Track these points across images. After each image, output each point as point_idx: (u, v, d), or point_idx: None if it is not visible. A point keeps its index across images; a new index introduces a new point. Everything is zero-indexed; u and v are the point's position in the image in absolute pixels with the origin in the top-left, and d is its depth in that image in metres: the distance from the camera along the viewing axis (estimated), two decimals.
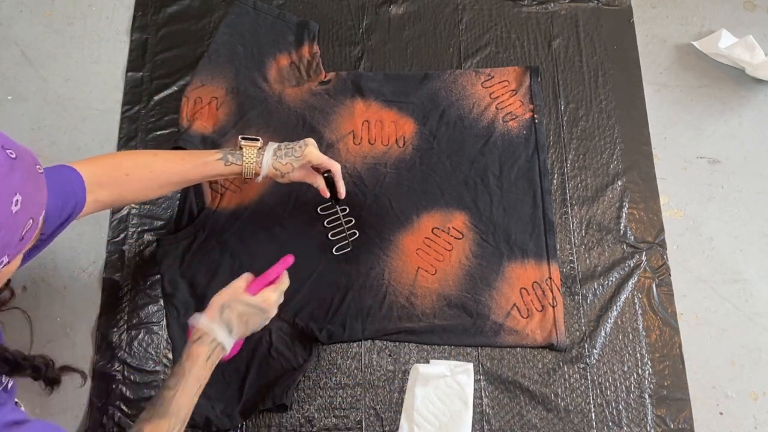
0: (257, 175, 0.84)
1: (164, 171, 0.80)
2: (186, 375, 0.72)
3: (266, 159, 0.84)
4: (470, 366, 0.94)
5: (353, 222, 1.01)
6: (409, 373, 0.95)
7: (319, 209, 1.01)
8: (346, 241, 0.99)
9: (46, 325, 0.98)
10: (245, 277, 0.81)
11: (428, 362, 0.95)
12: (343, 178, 1.04)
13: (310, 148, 0.85)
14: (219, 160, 0.82)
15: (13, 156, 0.51)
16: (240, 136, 0.86)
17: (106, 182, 0.76)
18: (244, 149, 0.83)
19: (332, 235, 1.01)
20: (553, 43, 1.15)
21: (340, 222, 1.00)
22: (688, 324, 0.99)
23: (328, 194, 0.90)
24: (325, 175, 0.88)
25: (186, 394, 0.71)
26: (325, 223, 1.00)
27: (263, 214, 1.02)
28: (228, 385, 0.92)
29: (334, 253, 1.00)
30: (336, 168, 0.87)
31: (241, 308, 0.77)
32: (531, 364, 0.95)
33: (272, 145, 0.85)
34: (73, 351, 0.97)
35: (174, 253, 0.99)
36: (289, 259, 0.83)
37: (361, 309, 0.97)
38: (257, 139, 0.86)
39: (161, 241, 1.00)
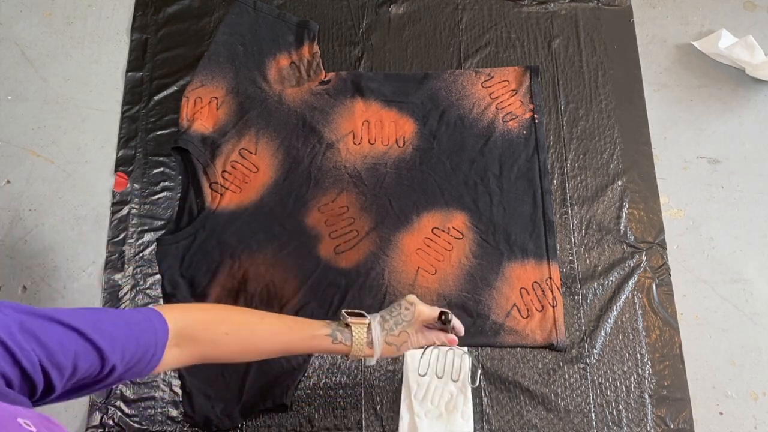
0: (371, 356, 0.73)
1: (268, 338, 0.70)
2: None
3: (376, 336, 0.73)
4: (464, 350, 0.93)
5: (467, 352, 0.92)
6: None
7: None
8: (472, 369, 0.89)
9: None
10: None
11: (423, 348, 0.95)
12: (343, 178, 1.05)
13: (420, 307, 0.76)
14: (327, 336, 0.71)
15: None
16: (344, 311, 0.75)
17: (200, 337, 0.64)
18: (352, 327, 0.73)
19: (332, 236, 1.01)
20: (553, 43, 1.15)
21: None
22: (688, 324, 0.99)
23: (455, 340, 0.79)
24: (442, 319, 0.76)
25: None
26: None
27: (263, 214, 1.02)
28: (228, 385, 0.92)
29: (335, 253, 1.00)
30: (448, 312, 0.76)
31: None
32: (531, 364, 0.95)
33: (375, 318, 0.75)
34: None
35: (174, 254, 0.99)
36: None
37: (361, 309, 0.97)
38: (363, 314, 0.75)
39: (161, 241, 1.00)
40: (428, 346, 0.79)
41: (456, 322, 0.78)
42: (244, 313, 0.71)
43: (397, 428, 0.91)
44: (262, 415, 0.92)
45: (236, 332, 0.67)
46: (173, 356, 0.61)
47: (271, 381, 0.92)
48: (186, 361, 0.64)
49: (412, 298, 0.77)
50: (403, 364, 0.95)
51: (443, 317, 0.75)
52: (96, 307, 0.59)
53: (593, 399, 0.94)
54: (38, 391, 0.45)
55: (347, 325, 0.73)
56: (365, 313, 0.75)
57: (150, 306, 0.60)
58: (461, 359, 0.93)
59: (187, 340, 0.62)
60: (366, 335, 0.73)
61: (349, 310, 0.75)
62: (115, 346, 0.51)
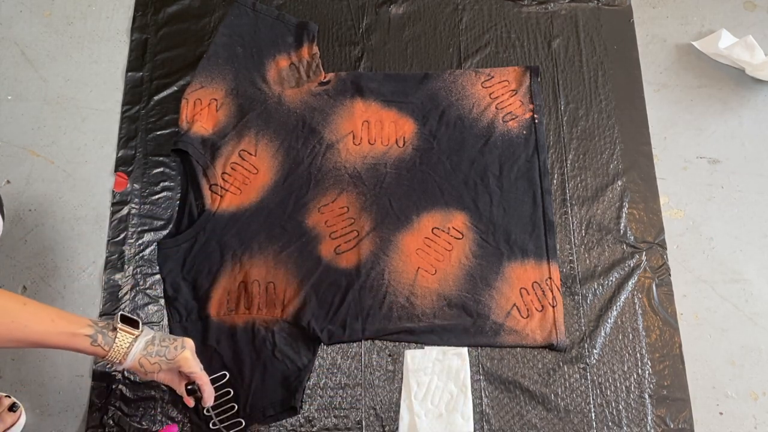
0: (120, 363, 0.76)
1: (27, 326, 0.69)
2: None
3: (134, 351, 0.76)
4: (463, 350, 0.94)
5: (233, 411, 0.90)
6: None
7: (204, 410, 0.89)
8: (225, 424, 0.89)
9: None
10: None
11: (423, 347, 0.95)
12: (343, 178, 1.05)
13: (186, 354, 0.78)
14: (86, 337, 0.72)
15: None
16: (120, 314, 0.77)
17: None
18: (118, 333, 0.75)
19: (332, 236, 1.01)
20: (553, 43, 1.15)
21: (217, 419, 0.89)
22: (688, 324, 0.99)
23: (192, 403, 0.84)
24: (189, 387, 0.82)
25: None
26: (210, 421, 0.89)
27: (263, 216, 1.02)
28: (233, 387, 0.92)
29: (335, 253, 1.00)
30: (204, 380, 0.81)
31: None
32: (531, 364, 0.95)
33: (146, 336, 0.78)
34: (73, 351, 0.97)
35: (175, 257, 0.99)
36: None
37: (361, 309, 0.97)
38: (137, 323, 0.78)
39: (162, 245, 1.00)
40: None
41: (207, 394, 0.82)
42: (9, 297, 0.70)
43: (397, 428, 0.91)
44: (265, 417, 0.92)
45: None
46: None
47: (276, 383, 0.92)
48: None
49: (188, 343, 0.80)
50: (403, 365, 0.95)
51: (189, 387, 0.82)
52: None
53: (593, 399, 0.94)
54: None
55: (114, 329, 0.75)
56: (141, 325, 0.78)
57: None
58: (461, 359, 0.94)
59: None
60: (128, 346, 0.75)
61: (126, 315, 0.78)
62: None
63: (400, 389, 0.94)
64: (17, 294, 0.74)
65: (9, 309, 0.69)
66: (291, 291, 0.98)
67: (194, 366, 0.80)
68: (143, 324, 0.79)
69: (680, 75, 1.15)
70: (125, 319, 0.77)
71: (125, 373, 0.92)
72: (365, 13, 1.18)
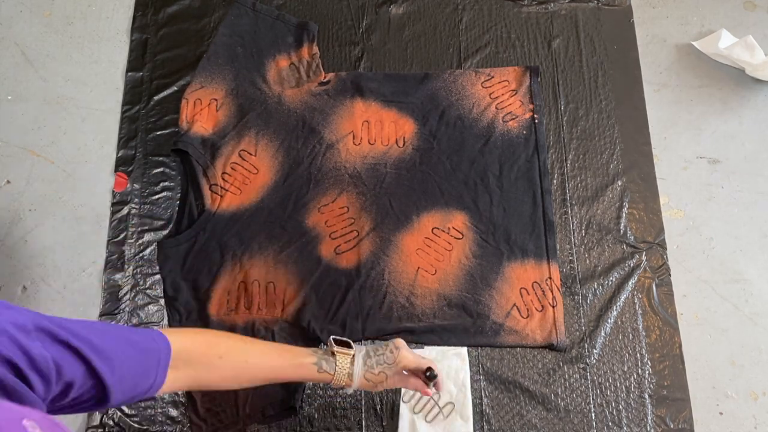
0: (348, 386, 0.76)
1: (259, 363, 0.70)
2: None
3: (357, 370, 0.75)
4: (463, 350, 0.94)
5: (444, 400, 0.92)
6: None
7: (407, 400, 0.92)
8: (439, 410, 0.91)
9: None
10: None
11: (422, 347, 0.95)
12: (343, 178, 1.05)
13: (404, 353, 0.78)
14: (313, 365, 0.74)
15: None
16: (332, 338, 0.77)
17: (196, 360, 0.64)
18: (337, 357, 0.75)
19: (332, 236, 1.01)
20: (553, 43, 1.15)
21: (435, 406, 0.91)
22: (688, 324, 0.99)
23: (431, 393, 0.81)
24: (427, 374, 0.78)
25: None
26: (414, 408, 0.91)
27: (263, 216, 1.02)
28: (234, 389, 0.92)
29: (336, 253, 1.00)
30: (433, 363, 0.79)
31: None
32: (531, 364, 0.95)
33: (360, 351, 0.78)
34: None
35: (175, 257, 0.99)
36: None
37: (361, 309, 0.97)
38: (349, 344, 0.78)
39: (162, 245, 1.00)
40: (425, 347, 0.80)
41: (439, 379, 0.80)
42: (235, 338, 0.72)
43: (397, 428, 0.91)
44: (265, 418, 0.92)
45: (229, 356, 0.67)
46: (170, 380, 0.60)
47: (276, 384, 0.92)
48: (181, 385, 0.63)
49: (399, 342, 0.79)
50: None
51: (428, 373, 0.78)
52: (104, 323, 0.58)
53: (593, 399, 0.94)
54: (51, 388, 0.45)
55: (333, 353, 0.76)
56: (352, 343, 0.78)
57: (151, 328, 0.61)
58: (461, 359, 0.94)
59: (183, 363, 0.62)
60: (349, 366, 0.75)
61: (337, 338, 0.78)
62: (115, 368, 0.51)
63: (400, 389, 0.94)
64: (237, 334, 0.75)
65: (242, 349, 0.70)
66: (291, 291, 0.98)
67: (417, 358, 0.79)
68: (353, 343, 0.79)
69: (680, 75, 1.15)
70: (339, 342, 0.77)
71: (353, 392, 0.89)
72: (365, 13, 1.18)
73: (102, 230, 1.04)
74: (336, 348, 0.76)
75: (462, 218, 1.03)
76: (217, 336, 0.72)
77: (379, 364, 0.77)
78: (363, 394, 0.94)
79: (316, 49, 1.14)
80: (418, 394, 0.91)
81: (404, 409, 0.92)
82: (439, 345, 0.96)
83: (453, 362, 0.94)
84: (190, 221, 1.02)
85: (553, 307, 0.97)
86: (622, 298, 0.99)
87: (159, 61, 1.14)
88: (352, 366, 0.76)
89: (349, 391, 0.77)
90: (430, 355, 0.94)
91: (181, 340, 0.63)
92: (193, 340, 0.65)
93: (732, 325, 0.99)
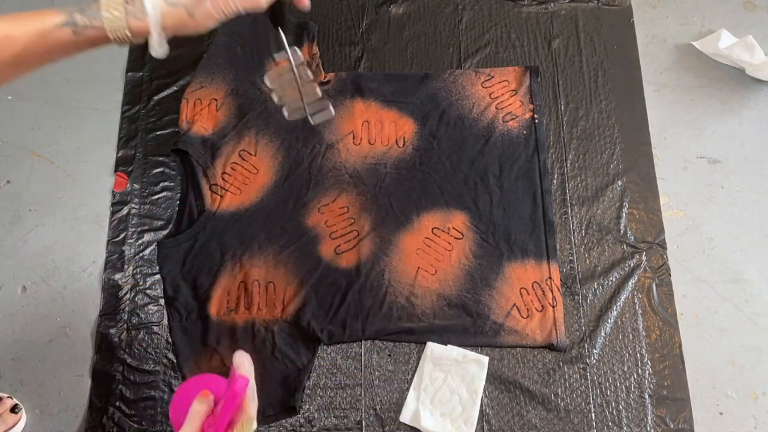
0: (142, 33, 0.52)
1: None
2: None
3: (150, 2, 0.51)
4: (484, 359, 0.94)
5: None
6: (410, 371, 0.95)
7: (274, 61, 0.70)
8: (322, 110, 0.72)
9: (46, 325, 0.98)
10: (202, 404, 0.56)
11: (445, 345, 0.95)
12: (343, 178, 1.05)
13: None
14: (64, 27, 0.51)
15: None
16: None
17: None
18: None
19: (332, 236, 1.01)
20: (553, 43, 1.15)
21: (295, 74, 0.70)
22: (688, 324, 0.99)
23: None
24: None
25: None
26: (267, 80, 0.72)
27: (263, 216, 1.02)
28: None
29: (335, 253, 1.00)
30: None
31: None
32: (531, 364, 0.95)
33: None
34: (73, 351, 0.97)
35: (175, 257, 0.99)
36: (243, 382, 0.59)
37: (361, 309, 0.97)
38: None
39: (162, 245, 1.00)
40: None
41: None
42: None
43: (400, 416, 0.91)
44: (265, 417, 0.92)
45: None
46: None
47: (276, 383, 0.92)
48: None
49: None
50: (405, 364, 0.95)
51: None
52: None
53: (593, 399, 0.94)
54: None
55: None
56: None
57: None
58: (480, 367, 0.93)
59: None
60: (124, 4, 0.51)
61: None
62: None
63: (401, 389, 0.94)
64: None
65: None
66: (291, 291, 0.98)
67: None
68: None
69: (680, 75, 1.15)
70: None
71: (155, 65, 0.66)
72: (365, 13, 1.18)
73: (102, 230, 1.04)
74: None
75: (462, 218, 1.03)
76: None
77: None
78: (363, 394, 0.94)
79: (316, 48, 1.14)
80: (431, 386, 0.91)
81: (411, 398, 0.92)
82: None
83: (471, 368, 0.94)
84: (190, 221, 1.02)
85: (553, 307, 0.97)
86: (622, 298, 0.99)
87: (159, 61, 1.14)
88: (135, 2, 0.51)
89: (154, 44, 0.54)
90: (451, 354, 0.94)
91: None
92: None
93: (732, 325, 0.99)
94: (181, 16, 0.53)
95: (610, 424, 0.92)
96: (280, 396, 0.92)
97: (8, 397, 0.92)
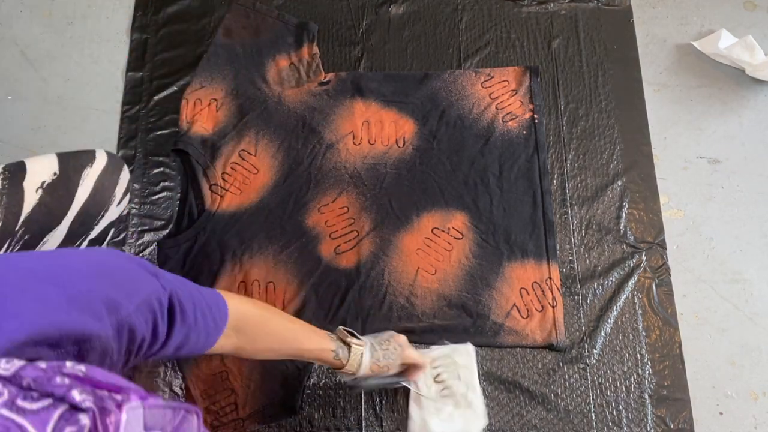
0: (353, 374, 0.78)
1: (293, 344, 0.71)
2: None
3: (365, 361, 0.77)
4: (469, 346, 0.91)
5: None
6: None
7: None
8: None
9: None
10: None
11: (429, 348, 0.93)
12: (343, 178, 1.05)
13: (408, 352, 0.82)
14: (332, 351, 0.75)
15: None
16: (341, 328, 0.79)
17: (247, 332, 0.64)
18: (352, 348, 0.77)
19: (332, 236, 1.01)
20: (552, 43, 1.15)
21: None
22: (688, 324, 0.99)
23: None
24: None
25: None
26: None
27: (263, 216, 1.02)
28: (233, 388, 0.92)
29: (335, 253, 1.00)
30: (426, 364, 0.86)
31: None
32: (531, 364, 0.95)
33: (367, 344, 0.79)
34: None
35: (175, 257, 0.99)
36: None
37: (361, 309, 0.97)
38: (356, 336, 0.79)
39: (162, 245, 1.00)
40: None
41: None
42: (281, 316, 0.72)
43: (405, 429, 0.89)
44: (265, 417, 0.92)
45: (276, 334, 0.69)
46: (220, 343, 0.60)
47: (276, 383, 0.92)
48: (224, 350, 0.63)
49: (401, 339, 0.83)
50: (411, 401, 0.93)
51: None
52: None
53: (593, 399, 0.94)
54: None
55: (346, 344, 0.77)
56: (357, 335, 0.79)
57: (211, 288, 0.61)
58: (467, 354, 0.91)
59: (235, 331, 0.62)
60: (360, 356, 0.77)
61: (344, 328, 0.79)
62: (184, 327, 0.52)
63: (400, 389, 0.93)
64: (281, 311, 0.78)
65: (286, 327, 0.71)
66: (291, 291, 0.98)
67: (419, 356, 0.84)
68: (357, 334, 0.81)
69: (680, 75, 1.15)
70: (349, 333, 0.79)
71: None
72: (365, 13, 1.18)
73: None
74: (350, 339, 0.77)
75: (462, 218, 1.03)
76: (269, 311, 0.71)
77: (386, 358, 0.79)
78: (363, 394, 0.94)
79: (316, 49, 1.14)
80: (429, 392, 0.91)
81: (414, 409, 0.89)
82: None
83: (461, 359, 0.90)
84: (190, 221, 1.02)
85: (553, 307, 0.97)
86: (622, 298, 0.99)
87: (159, 61, 1.14)
88: (362, 357, 0.77)
89: (347, 378, 0.79)
90: (435, 352, 0.91)
91: (238, 309, 0.62)
92: (248, 311, 0.65)
93: (732, 325, 0.99)
94: (369, 374, 0.78)
95: (610, 424, 0.92)
96: (280, 396, 0.92)
97: None
